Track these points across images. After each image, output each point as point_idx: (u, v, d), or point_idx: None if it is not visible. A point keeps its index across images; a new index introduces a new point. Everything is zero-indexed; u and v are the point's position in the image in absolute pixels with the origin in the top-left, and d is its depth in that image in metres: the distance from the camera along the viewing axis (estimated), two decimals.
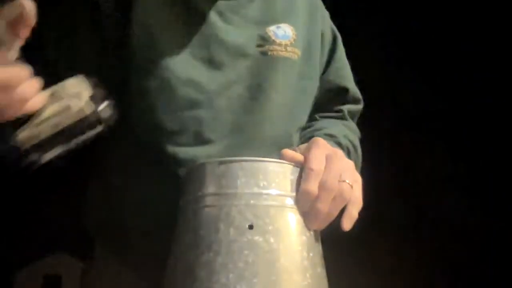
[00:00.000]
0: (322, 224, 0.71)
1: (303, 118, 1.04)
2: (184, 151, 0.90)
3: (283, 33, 1.00)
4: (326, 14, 1.13)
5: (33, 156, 0.65)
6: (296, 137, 1.03)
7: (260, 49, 0.98)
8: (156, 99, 0.92)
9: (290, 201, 0.69)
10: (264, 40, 0.98)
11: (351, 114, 1.12)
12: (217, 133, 0.93)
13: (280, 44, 0.99)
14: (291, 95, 1.00)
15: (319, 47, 1.06)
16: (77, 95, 0.67)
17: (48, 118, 0.65)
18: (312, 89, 1.05)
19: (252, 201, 0.67)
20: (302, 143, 0.96)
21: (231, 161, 0.70)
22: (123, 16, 0.94)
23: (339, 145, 0.98)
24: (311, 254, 0.68)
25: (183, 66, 0.93)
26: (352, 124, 1.12)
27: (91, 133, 0.67)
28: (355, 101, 1.13)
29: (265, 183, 0.68)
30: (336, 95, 1.10)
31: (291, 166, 0.71)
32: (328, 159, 0.73)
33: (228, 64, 0.95)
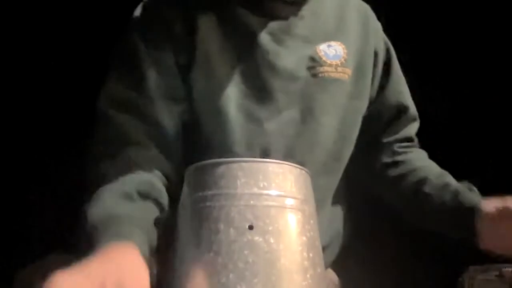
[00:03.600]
0: None
1: (353, 139, 1.02)
2: None
3: (334, 52, 0.98)
4: (378, 26, 1.09)
5: None
6: (344, 159, 1.00)
7: (310, 71, 0.96)
8: (211, 126, 0.93)
9: (290, 202, 0.69)
10: (315, 61, 0.97)
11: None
12: (270, 158, 0.91)
13: (330, 65, 0.97)
14: (341, 116, 0.98)
15: (371, 65, 1.03)
16: None
17: None
18: (362, 108, 1.02)
19: (252, 202, 0.67)
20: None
21: (231, 162, 0.70)
22: (188, 41, 0.94)
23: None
24: (311, 255, 0.68)
25: (235, 95, 0.93)
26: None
27: None
28: (414, 119, 1.09)
29: (265, 183, 0.68)
30: (398, 114, 1.07)
31: (291, 167, 0.71)
32: None
33: (279, 89, 0.95)
